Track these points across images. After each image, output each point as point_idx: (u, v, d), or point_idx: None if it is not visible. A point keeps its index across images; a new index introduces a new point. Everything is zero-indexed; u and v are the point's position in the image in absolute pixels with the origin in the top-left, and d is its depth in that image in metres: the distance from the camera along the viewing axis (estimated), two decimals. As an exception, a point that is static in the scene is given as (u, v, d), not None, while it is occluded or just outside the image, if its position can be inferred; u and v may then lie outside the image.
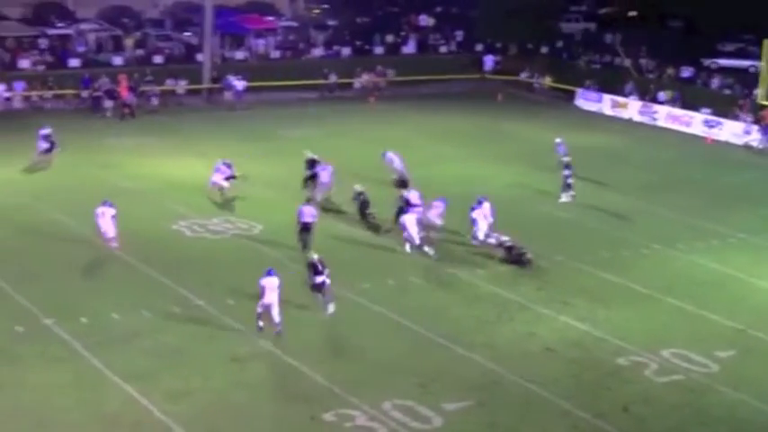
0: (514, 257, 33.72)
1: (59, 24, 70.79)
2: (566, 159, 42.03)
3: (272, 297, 27.05)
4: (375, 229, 36.32)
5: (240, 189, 39.55)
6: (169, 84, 61.15)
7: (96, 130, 46.73)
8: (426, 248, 33.99)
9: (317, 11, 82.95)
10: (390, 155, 41.99)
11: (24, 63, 63.21)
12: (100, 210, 33.41)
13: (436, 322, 28.82)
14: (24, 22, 70.62)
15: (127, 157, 44.88)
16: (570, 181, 41.25)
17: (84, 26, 71.12)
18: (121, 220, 34.09)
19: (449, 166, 46.03)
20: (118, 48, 68.35)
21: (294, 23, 77.05)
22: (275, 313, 27.07)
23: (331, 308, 28.74)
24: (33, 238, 34.59)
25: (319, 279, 28.63)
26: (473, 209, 35.00)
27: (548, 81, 66.55)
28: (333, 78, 64.77)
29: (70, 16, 73.80)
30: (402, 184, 39.12)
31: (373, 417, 23.26)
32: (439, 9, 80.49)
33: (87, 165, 43.88)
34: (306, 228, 33.86)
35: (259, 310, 27.24)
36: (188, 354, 26.26)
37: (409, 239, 34.26)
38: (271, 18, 75.64)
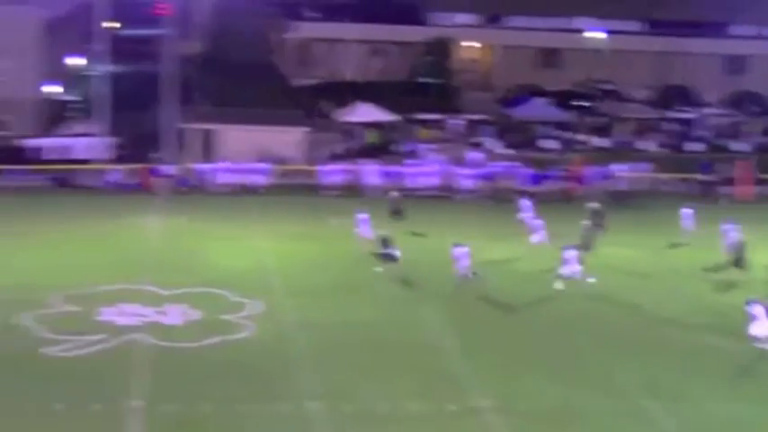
0: None
1: (682, 108, 71.19)
2: None
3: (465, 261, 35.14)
4: None
5: None
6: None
7: (706, 217, 45.62)
8: None
9: None
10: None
11: (645, 145, 64.13)
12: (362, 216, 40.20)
13: None
14: (648, 105, 71.83)
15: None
16: None
17: (706, 111, 70.96)
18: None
19: None
20: (739, 134, 67.29)
21: None
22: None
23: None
24: (637, 318, 34.40)
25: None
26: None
27: None
28: None
29: (694, 100, 73.94)
30: None
31: None
32: None
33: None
34: None
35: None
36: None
37: None
38: None
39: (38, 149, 56.36)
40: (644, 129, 67.26)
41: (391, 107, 66.61)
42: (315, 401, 26.64)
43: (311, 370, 28.76)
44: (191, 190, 52.49)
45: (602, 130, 67.00)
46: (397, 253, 37.60)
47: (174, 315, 32.95)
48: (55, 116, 65.47)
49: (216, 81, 74.64)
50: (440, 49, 75.27)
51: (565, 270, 35.88)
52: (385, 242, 38.27)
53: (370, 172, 53.69)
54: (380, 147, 62.89)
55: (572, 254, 35.94)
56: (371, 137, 63.84)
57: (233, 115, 59.62)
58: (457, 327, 32.65)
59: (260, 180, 53.11)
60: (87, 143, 57.46)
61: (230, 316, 33.06)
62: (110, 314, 32.70)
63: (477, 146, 62.57)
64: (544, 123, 66.93)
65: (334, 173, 53.83)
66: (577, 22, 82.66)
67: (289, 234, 43.74)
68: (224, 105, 66.01)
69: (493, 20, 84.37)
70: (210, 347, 30.34)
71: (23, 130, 60.20)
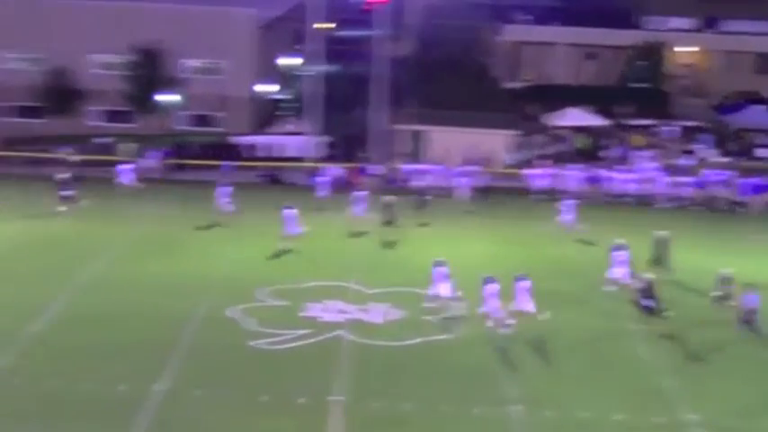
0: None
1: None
2: None
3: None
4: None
5: None
6: None
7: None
8: None
9: None
10: None
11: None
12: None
13: None
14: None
15: None
16: None
17: None
18: None
19: None
20: None
21: None
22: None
23: None
24: None
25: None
26: None
27: None
28: None
29: None
30: None
31: None
32: None
33: None
34: None
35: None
36: None
37: None
38: None
39: (250, 147, 57.78)
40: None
41: (602, 112, 65.57)
42: (516, 405, 26.34)
43: (514, 374, 28.46)
44: (399, 190, 52.77)
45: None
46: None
47: (376, 313, 33.14)
48: (267, 115, 67.03)
49: (426, 82, 75.08)
50: (653, 54, 73.65)
51: None
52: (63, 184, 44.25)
53: (574, 176, 52.79)
54: (589, 152, 61.91)
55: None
56: (580, 141, 62.95)
57: (442, 117, 59.71)
58: (666, 342, 31.72)
59: (468, 183, 52.86)
60: (298, 142, 58.58)
61: (433, 317, 33.01)
62: (315, 310, 33.15)
63: (689, 153, 60.92)
64: (761, 131, 64.63)
65: (540, 176, 53.20)
66: (800, 26, 79.71)
67: (497, 237, 43.35)
68: (433, 107, 66.30)
69: (709, 24, 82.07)
70: (413, 347, 30.38)
71: (237, 127, 61.86)
